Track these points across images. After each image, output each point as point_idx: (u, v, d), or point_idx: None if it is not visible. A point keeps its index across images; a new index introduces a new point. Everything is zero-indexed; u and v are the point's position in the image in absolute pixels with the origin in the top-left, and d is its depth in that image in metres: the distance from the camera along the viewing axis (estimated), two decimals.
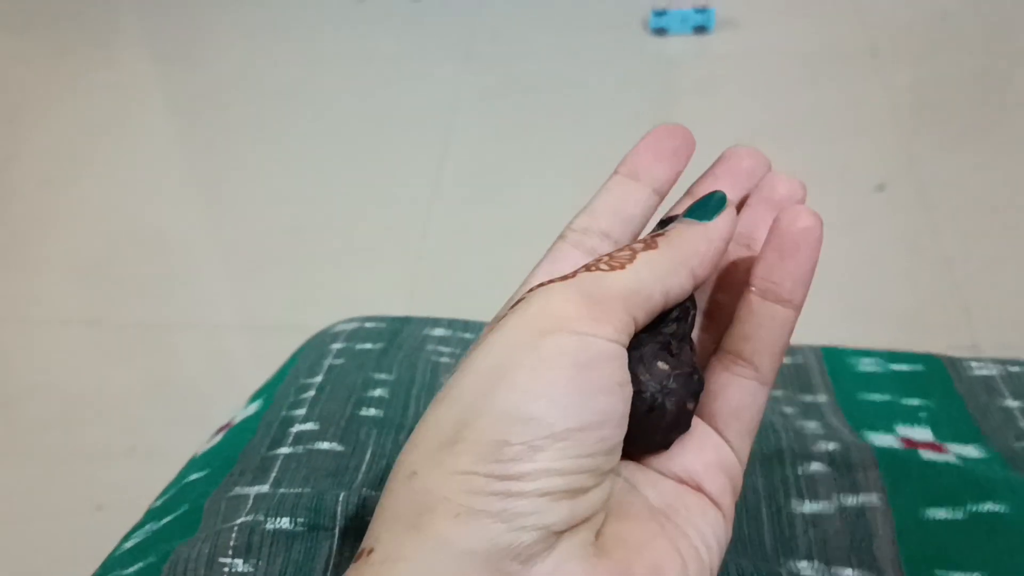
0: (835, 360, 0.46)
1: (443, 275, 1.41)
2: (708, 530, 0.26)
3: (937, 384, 0.44)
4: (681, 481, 0.26)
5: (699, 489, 0.26)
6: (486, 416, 0.22)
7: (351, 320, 0.52)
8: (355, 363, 0.46)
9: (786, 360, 0.46)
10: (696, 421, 0.27)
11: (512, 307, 0.25)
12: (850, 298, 1.32)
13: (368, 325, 0.50)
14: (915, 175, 1.48)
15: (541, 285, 0.25)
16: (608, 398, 0.23)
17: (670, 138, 0.30)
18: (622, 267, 0.25)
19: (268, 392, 0.48)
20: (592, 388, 0.23)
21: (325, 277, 1.43)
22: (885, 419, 0.41)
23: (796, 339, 1.07)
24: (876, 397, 0.43)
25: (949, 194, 1.44)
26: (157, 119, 1.77)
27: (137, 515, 1.24)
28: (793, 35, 1.78)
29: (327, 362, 0.47)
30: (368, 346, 0.48)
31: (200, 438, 1.20)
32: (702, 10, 1.80)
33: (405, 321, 0.50)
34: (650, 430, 0.26)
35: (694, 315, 0.28)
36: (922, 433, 0.40)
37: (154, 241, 1.50)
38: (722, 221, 0.27)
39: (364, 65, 1.85)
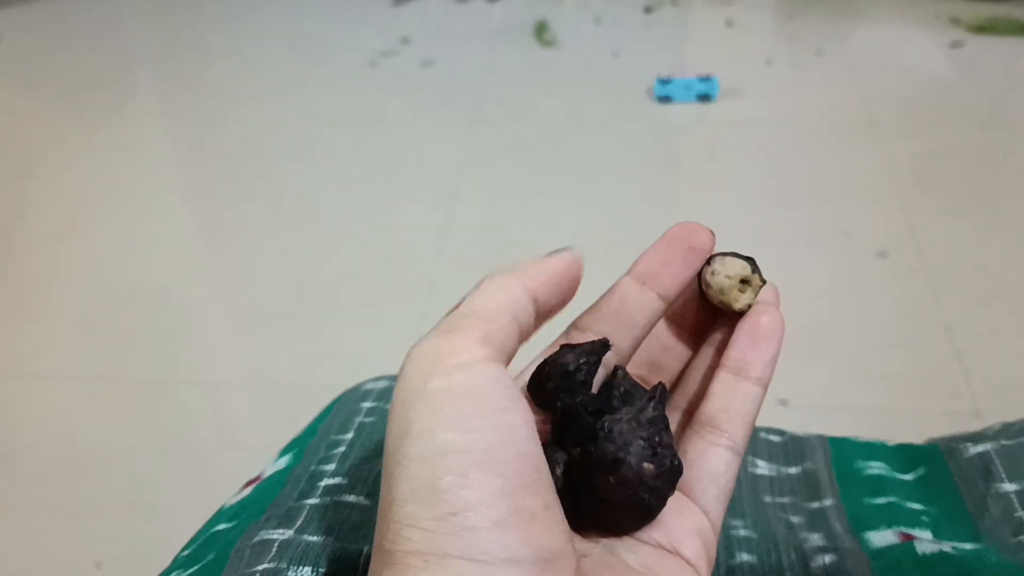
0: (843, 463, 0.47)
1: None
2: None
3: (939, 488, 0.45)
4: (660, 546, 0.28)
5: (677, 554, 0.27)
6: (407, 465, 0.23)
7: (380, 379, 0.53)
8: (385, 422, 0.47)
9: (794, 469, 0.47)
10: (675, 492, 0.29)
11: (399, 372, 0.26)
12: (852, 362, 1.33)
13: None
14: (916, 242, 1.49)
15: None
16: (504, 415, 0.24)
17: (684, 239, 0.32)
18: (467, 298, 0.27)
19: (299, 447, 0.48)
20: (483, 407, 0.24)
21: (330, 335, 1.44)
22: (888, 520, 0.42)
23: (803, 418, 1.08)
24: (880, 500, 0.44)
25: (950, 261, 1.46)
26: (167, 177, 1.80)
27: (136, 572, 1.23)
28: (794, 104, 1.82)
29: (358, 420, 0.48)
30: None
31: (201, 494, 1.20)
32: (706, 79, 1.84)
33: None
34: (631, 520, 0.28)
35: (664, 392, 0.29)
36: (922, 535, 0.41)
37: (160, 297, 1.51)
38: (559, 257, 0.30)
39: (374, 126, 1.88)
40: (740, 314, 0.31)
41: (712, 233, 0.32)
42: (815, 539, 0.41)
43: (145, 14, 2.29)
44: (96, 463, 1.26)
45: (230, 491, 1.26)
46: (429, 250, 1.56)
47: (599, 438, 0.27)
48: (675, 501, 0.28)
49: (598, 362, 0.29)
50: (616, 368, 0.30)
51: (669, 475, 0.27)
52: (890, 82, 1.86)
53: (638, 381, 0.31)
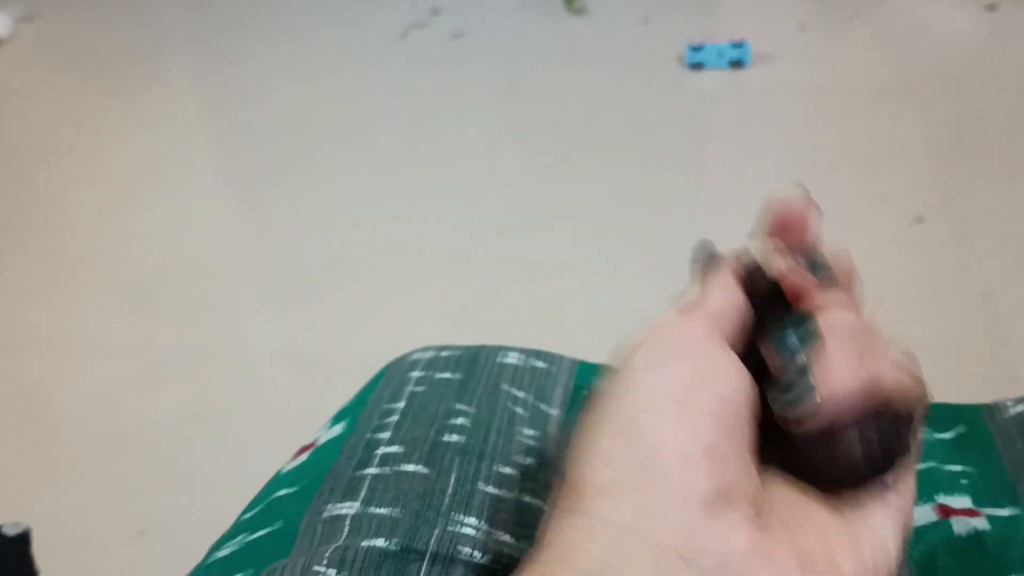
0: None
1: (483, 304, 1.42)
2: (880, 513, 0.27)
3: (979, 447, 0.45)
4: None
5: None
6: (611, 403, 0.26)
7: (427, 349, 0.54)
8: (435, 392, 0.48)
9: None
10: None
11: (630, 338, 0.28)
12: (889, 329, 1.32)
13: (444, 354, 0.52)
14: (952, 207, 1.47)
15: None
16: (707, 359, 0.27)
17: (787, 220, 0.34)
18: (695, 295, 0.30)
19: (351, 415, 0.49)
20: (689, 355, 0.26)
21: (365, 308, 1.45)
22: (927, 489, 0.43)
23: None
24: (920, 466, 0.44)
25: (988, 225, 1.44)
26: (203, 152, 1.82)
27: (179, 540, 1.26)
28: (828, 69, 1.79)
29: (408, 389, 0.49)
30: (447, 375, 0.50)
31: (240, 465, 1.22)
32: (738, 44, 1.82)
33: (479, 350, 0.52)
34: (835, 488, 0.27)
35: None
36: (961, 501, 0.42)
37: (198, 272, 1.54)
38: (723, 273, 0.31)
39: (405, 99, 1.89)
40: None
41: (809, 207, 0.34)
42: None
43: None
44: (138, 435, 1.29)
45: (268, 462, 1.28)
46: (463, 223, 1.57)
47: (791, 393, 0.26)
48: None
49: None
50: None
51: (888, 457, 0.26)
52: (924, 46, 1.83)
53: None
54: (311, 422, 1.27)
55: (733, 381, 0.26)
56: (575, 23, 2.01)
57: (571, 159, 1.68)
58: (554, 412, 0.50)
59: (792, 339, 0.28)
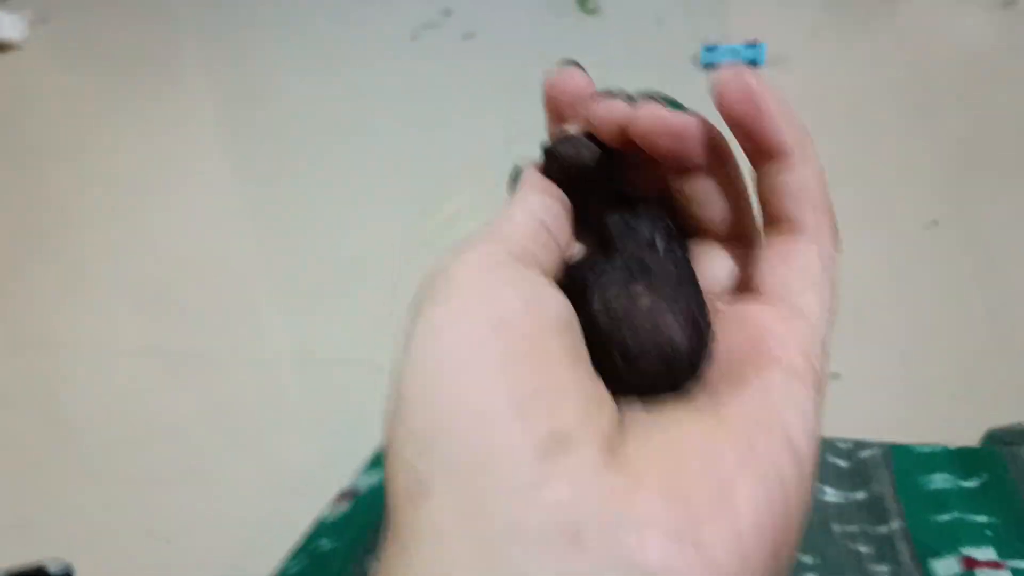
0: (907, 480, 0.47)
1: None
2: (792, 405, 0.21)
3: (1003, 496, 0.45)
4: (738, 364, 0.22)
5: (767, 356, 0.22)
6: (401, 388, 0.22)
7: None
8: None
9: (861, 494, 0.47)
10: (753, 301, 0.24)
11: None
12: (903, 336, 1.32)
13: None
14: (967, 214, 1.47)
15: None
16: (494, 290, 0.22)
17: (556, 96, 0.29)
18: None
19: None
20: (475, 288, 0.23)
21: (376, 311, 1.46)
22: (951, 541, 0.43)
23: (855, 390, 1.07)
24: (945, 517, 0.45)
25: (1004, 230, 1.44)
26: (216, 153, 1.83)
27: (192, 541, 1.27)
28: (843, 70, 1.79)
29: None
30: None
31: (254, 467, 1.23)
32: (752, 45, 1.81)
33: None
34: (654, 383, 0.21)
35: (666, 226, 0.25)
36: (985, 553, 0.42)
37: (212, 273, 1.55)
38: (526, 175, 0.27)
39: (417, 101, 1.89)
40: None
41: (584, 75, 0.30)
42: (882, 571, 0.42)
43: None
44: (153, 436, 1.31)
45: (281, 465, 1.29)
46: (478, 223, 1.57)
47: (590, 324, 0.22)
48: (750, 311, 0.23)
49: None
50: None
51: (690, 341, 0.21)
52: (939, 47, 1.82)
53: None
54: (327, 423, 1.29)
55: (529, 302, 0.22)
56: (588, 23, 2.01)
57: None
58: None
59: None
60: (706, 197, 0.27)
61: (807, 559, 0.45)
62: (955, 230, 1.45)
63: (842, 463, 0.50)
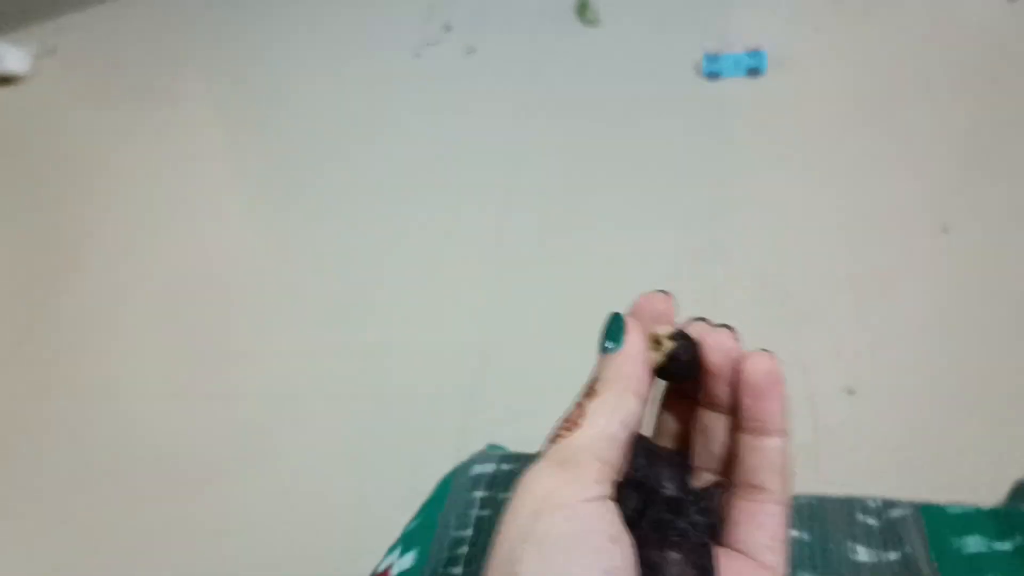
0: (940, 542, 0.49)
1: (505, 319, 1.44)
2: None
3: None
4: None
5: None
6: None
7: (486, 460, 0.54)
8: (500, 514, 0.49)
9: (894, 554, 0.49)
10: (730, 553, 0.30)
11: (510, 498, 0.28)
12: (918, 346, 1.32)
13: (504, 467, 0.53)
14: (979, 214, 1.47)
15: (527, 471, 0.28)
16: (604, 557, 0.26)
17: (648, 305, 0.34)
18: (578, 425, 0.29)
19: (421, 543, 0.50)
20: (588, 551, 0.26)
21: (394, 324, 1.47)
22: None
23: (870, 408, 1.06)
24: None
25: (1016, 234, 1.44)
26: (225, 179, 1.84)
27: None
28: (846, 74, 1.79)
29: (474, 513, 0.50)
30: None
31: (291, 514, 1.24)
32: (754, 53, 1.81)
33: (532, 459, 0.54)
34: None
35: (715, 496, 0.32)
36: None
37: (229, 301, 1.56)
38: (631, 339, 0.31)
39: (422, 118, 1.89)
40: (660, 376, 0.32)
41: (670, 300, 0.34)
42: None
43: (190, 15, 2.31)
44: (182, 478, 1.32)
45: (312, 505, 1.29)
46: (485, 242, 1.58)
47: None
48: (733, 562, 0.30)
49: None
50: (636, 438, 0.31)
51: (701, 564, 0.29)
52: (944, 41, 1.82)
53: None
54: (355, 456, 1.28)
55: (627, 567, 0.26)
56: (588, 34, 2.01)
57: (589, 173, 1.69)
58: None
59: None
60: (722, 438, 0.33)
61: None
62: (967, 234, 1.45)
63: (872, 522, 0.51)
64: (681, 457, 0.32)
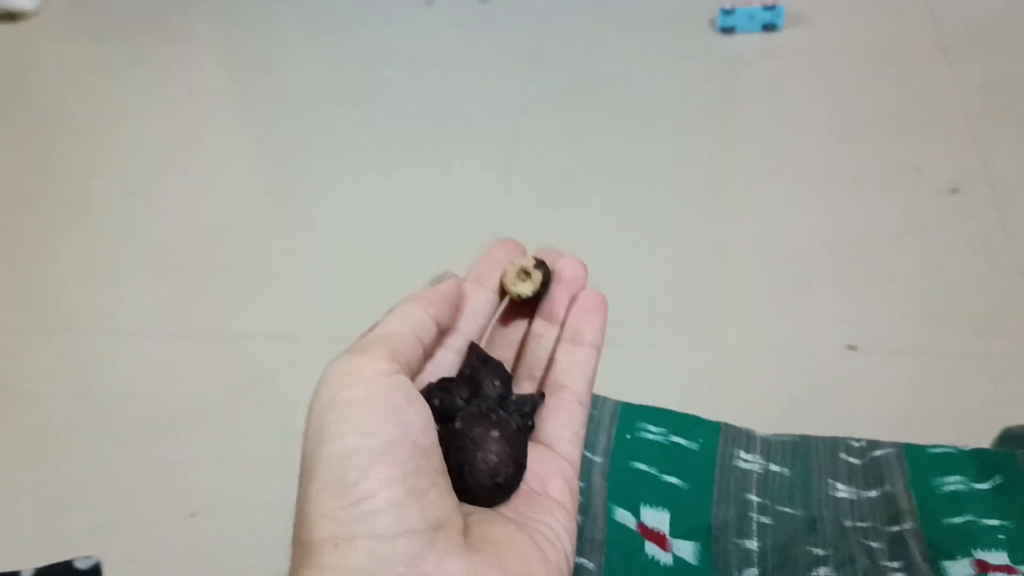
0: (920, 480, 0.49)
1: None
2: (557, 525, 0.33)
3: (1017, 498, 0.46)
4: (531, 490, 0.34)
5: (545, 495, 0.34)
6: (321, 466, 0.28)
7: None
8: None
9: (874, 492, 0.49)
10: (536, 444, 0.35)
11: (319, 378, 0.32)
12: (922, 304, 1.32)
13: None
14: (989, 177, 1.46)
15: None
16: (401, 414, 0.29)
17: (502, 250, 0.40)
18: (374, 328, 0.33)
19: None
20: (385, 411, 0.29)
21: (397, 285, 1.46)
22: (966, 543, 0.44)
23: (871, 363, 1.06)
24: (958, 520, 0.45)
25: None
26: (232, 127, 1.83)
27: (228, 519, 1.29)
28: (863, 32, 1.76)
29: None
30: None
31: (283, 446, 1.25)
32: (771, 7, 1.78)
33: None
34: (496, 491, 0.33)
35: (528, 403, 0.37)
36: (998, 557, 0.43)
37: (232, 250, 1.55)
38: (448, 284, 0.36)
39: (432, 67, 1.88)
40: (525, 300, 0.38)
41: (522, 244, 0.40)
42: (895, 567, 0.43)
43: None
44: (182, 417, 1.32)
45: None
46: (493, 195, 1.57)
47: (453, 442, 0.33)
48: (538, 452, 0.35)
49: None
50: (471, 346, 0.37)
51: (515, 475, 0.33)
52: (962, 3, 1.79)
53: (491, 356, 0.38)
54: None
55: (425, 426, 0.30)
56: None
57: (600, 126, 1.68)
58: (598, 460, 0.51)
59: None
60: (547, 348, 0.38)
61: (819, 551, 0.46)
62: (976, 196, 1.43)
63: (855, 461, 0.51)
64: (506, 369, 0.37)
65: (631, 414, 0.55)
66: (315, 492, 0.28)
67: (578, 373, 0.36)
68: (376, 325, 0.33)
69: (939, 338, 1.28)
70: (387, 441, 0.28)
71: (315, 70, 1.91)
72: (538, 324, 0.38)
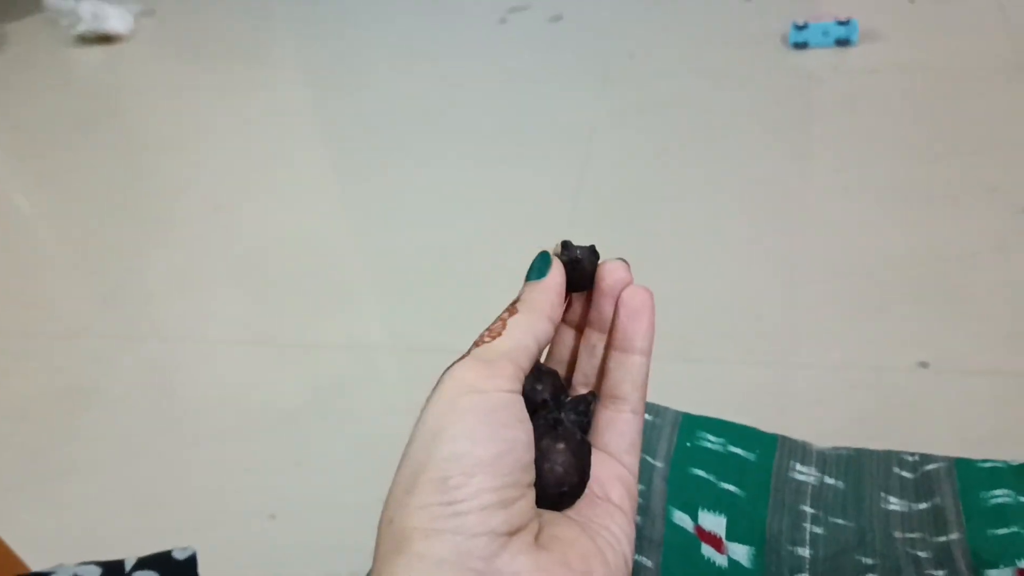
0: (969, 494, 0.50)
1: None
2: (617, 528, 0.35)
3: None
4: (593, 495, 0.36)
5: (606, 499, 0.36)
6: (430, 463, 0.31)
7: None
8: None
9: (924, 504, 0.51)
10: (597, 452, 0.37)
11: (434, 386, 0.34)
12: (995, 324, 1.30)
13: None
14: None
15: (449, 366, 0.34)
16: (511, 430, 0.32)
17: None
18: (500, 334, 0.34)
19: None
20: (498, 425, 0.31)
21: (467, 298, 1.50)
22: (1009, 553, 0.45)
23: (942, 381, 1.06)
24: (1003, 531, 0.47)
25: None
26: (313, 146, 1.89)
27: (307, 522, 1.34)
28: (938, 48, 1.74)
29: None
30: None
31: (357, 452, 1.29)
32: (845, 22, 1.78)
33: None
34: (562, 498, 0.36)
35: (590, 403, 0.39)
36: None
37: (312, 263, 1.61)
38: (554, 272, 0.37)
39: (504, 85, 1.91)
40: (573, 264, 0.38)
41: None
42: (940, 575, 0.44)
43: None
44: (263, 423, 1.38)
45: (384, 450, 1.34)
46: (561, 210, 1.60)
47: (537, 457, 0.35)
48: (599, 458, 0.37)
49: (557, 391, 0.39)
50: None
51: (579, 484, 0.36)
52: None
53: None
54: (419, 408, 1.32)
55: (529, 444, 0.32)
56: (674, 3, 2.00)
57: (671, 142, 1.69)
58: (659, 464, 0.53)
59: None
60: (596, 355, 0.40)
61: (868, 560, 0.47)
62: None
63: (908, 475, 0.52)
64: (559, 375, 0.39)
65: (691, 424, 0.58)
66: (420, 483, 0.31)
67: (630, 383, 0.38)
68: (496, 327, 0.35)
69: (1013, 358, 1.26)
70: (495, 453, 0.31)
71: (391, 89, 1.97)
72: (589, 334, 0.40)
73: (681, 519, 0.52)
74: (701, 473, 0.55)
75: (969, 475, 0.51)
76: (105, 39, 2.24)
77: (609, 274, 0.38)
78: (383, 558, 0.31)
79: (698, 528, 0.52)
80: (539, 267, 0.38)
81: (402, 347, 1.45)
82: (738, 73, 1.80)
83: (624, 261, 0.39)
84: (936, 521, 0.49)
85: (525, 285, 0.38)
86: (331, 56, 2.10)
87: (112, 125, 2.03)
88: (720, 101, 1.75)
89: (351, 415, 1.37)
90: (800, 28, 1.80)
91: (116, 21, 2.22)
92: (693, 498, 0.54)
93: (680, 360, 1.32)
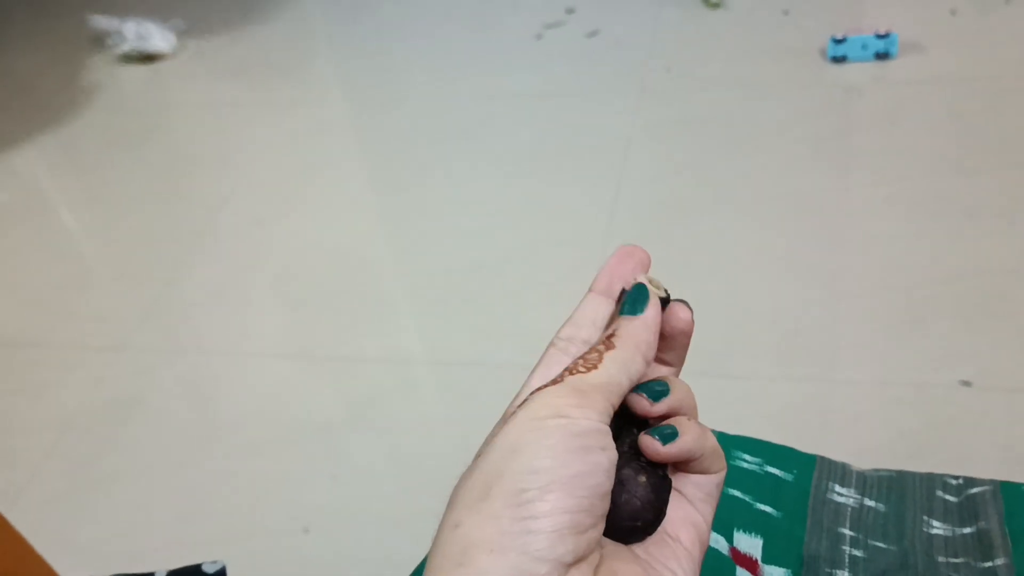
0: (1016, 519, 0.49)
1: None
2: (681, 573, 0.34)
3: None
4: (664, 534, 0.35)
5: (677, 540, 0.35)
6: (508, 474, 0.30)
7: None
8: None
9: (968, 529, 0.50)
10: (675, 493, 0.36)
11: (519, 405, 0.33)
12: None
13: None
14: None
15: (538, 389, 0.34)
16: (595, 456, 0.31)
17: (629, 258, 0.42)
18: (595, 367, 0.34)
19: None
20: (582, 448, 0.31)
21: (503, 313, 1.50)
22: None
23: (985, 400, 1.04)
24: None
25: None
26: (352, 162, 1.91)
27: (341, 538, 1.35)
28: (981, 59, 1.72)
29: None
30: None
31: (395, 466, 1.29)
32: (884, 36, 1.76)
33: None
34: (633, 532, 0.35)
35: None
36: None
37: (348, 277, 1.62)
38: (651, 310, 0.37)
39: (541, 100, 1.92)
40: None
41: (647, 252, 0.42)
42: None
43: (324, 2, 2.41)
44: (299, 436, 1.39)
45: (419, 464, 1.34)
46: (598, 224, 1.59)
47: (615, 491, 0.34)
48: (676, 499, 0.36)
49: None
50: None
51: (654, 521, 0.35)
52: None
53: None
54: (461, 423, 1.33)
55: (610, 472, 0.32)
56: (712, 17, 1.99)
57: (708, 156, 1.68)
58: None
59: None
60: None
61: None
62: None
63: (951, 498, 0.51)
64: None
65: (727, 443, 0.57)
66: (495, 492, 0.30)
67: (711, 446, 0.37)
68: (593, 358, 0.35)
69: None
70: (574, 473, 0.30)
71: (429, 104, 1.98)
72: (656, 369, 0.39)
73: (716, 540, 0.51)
74: (737, 493, 0.54)
75: (1015, 499, 0.50)
76: (148, 58, 2.28)
77: (678, 317, 0.38)
78: (442, 568, 0.30)
79: (733, 550, 0.51)
80: (636, 300, 0.38)
81: (438, 361, 1.46)
82: (776, 87, 1.79)
83: (687, 305, 0.39)
84: (981, 546, 0.48)
85: (621, 318, 0.37)
86: (369, 72, 2.12)
87: (155, 142, 2.07)
88: (757, 115, 1.74)
89: (386, 429, 1.37)
90: (839, 42, 1.79)
91: (159, 40, 2.26)
92: (728, 519, 0.53)
93: (716, 376, 1.31)
